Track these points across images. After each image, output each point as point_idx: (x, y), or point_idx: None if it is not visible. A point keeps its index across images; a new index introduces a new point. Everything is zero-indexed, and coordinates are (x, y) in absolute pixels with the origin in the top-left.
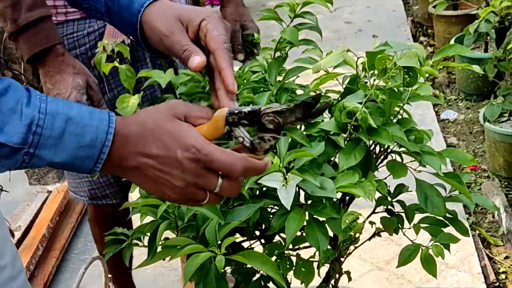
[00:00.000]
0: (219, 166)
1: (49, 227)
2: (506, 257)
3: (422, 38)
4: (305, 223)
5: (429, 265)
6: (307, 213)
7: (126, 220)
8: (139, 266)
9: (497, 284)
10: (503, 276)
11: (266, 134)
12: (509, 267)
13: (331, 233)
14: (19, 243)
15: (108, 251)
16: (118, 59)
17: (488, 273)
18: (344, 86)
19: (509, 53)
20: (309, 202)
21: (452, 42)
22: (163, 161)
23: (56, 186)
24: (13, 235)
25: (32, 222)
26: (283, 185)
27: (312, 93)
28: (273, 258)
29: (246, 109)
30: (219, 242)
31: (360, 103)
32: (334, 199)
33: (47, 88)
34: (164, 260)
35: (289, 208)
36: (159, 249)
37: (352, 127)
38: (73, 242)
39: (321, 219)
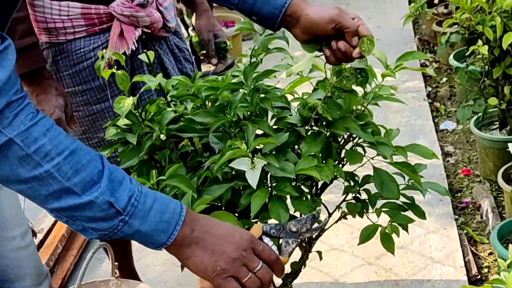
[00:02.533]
0: (264, 254)
1: (68, 228)
2: (490, 253)
3: (428, 55)
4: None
5: (387, 242)
6: (271, 192)
7: None
8: None
9: (479, 277)
10: (486, 270)
11: (289, 239)
12: (492, 262)
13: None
14: (41, 243)
15: None
16: (116, 66)
17: (471, 267)
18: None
19: (477, 61)
20: (274, 184)
21: (451, 57)
22: (225, 237)
23: None
24: (35, 236)
25: (53, 225)
26: (251, 168)
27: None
28: None
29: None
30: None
31: (320, 99)
32: (297, 182)
33: None
34: None
35: (255, 188)
36: None
37: (313, 120)
38: (90, 242)
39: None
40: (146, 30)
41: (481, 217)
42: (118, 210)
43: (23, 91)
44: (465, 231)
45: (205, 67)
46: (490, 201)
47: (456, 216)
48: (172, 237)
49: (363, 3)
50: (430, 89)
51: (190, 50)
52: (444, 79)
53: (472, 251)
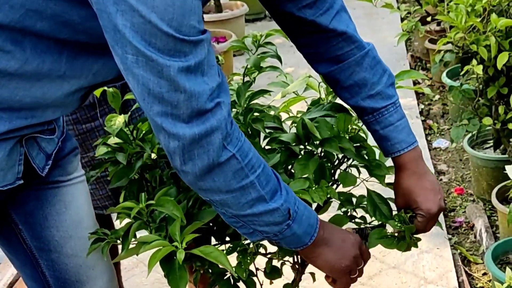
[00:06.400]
0: (365, 255)
1: None
2: (484, 274)
3: (421, 71)
4: None
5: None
6: None
7: (109, 225)
8: (117, 259)
9: None
10: None
11: None
12: (486, 283)
13: None
14: None
15: (91, 248)
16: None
17: (465, 287)
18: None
19: (470, 79)
20: None
21: (444, 74)
22: (345, 239)
23: None
24: None
25: None
26: None
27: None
28: (236, 254)
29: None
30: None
31: (312, 119)
32: None
33: None
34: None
35: None
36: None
37: (306, 138)
38: None
39: None
40: None
41: (475, 236)
42: (290, 215)
43: None
44: (458, 251)
45: None
46: (484, 220)
47: (450, 236)
48: (313, 238)
49: (356, 20)
50: (422, 106)
51: None
52: (437, 97)
53: (466, 272)
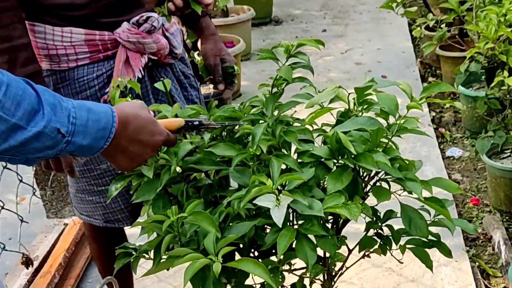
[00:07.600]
0: (170, 144)
1: (65, 256)
2: (504, 287)
3: (430, 79)
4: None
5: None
6: (297, 230)
7: (122, 236)
8: (145, 274)
9: None
10: None
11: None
12: None
13: (320, 252)
14: (36, 271)
15: (118, 262)
16: (130, 95)
17: None
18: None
19: (498, 91)
20: (300, 222)
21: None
22: (145, 144)
23: (72, 218)
24: (32, 264)
25: (49, 252)
26: (276, 205)
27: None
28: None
29: (196, 122)
30: (217, 252)
31: (345, 132)
32: (323, 220)
33: None
34: None
35: (280, 226)
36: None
37: (339, 153)
38: (88, 271)
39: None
40: (152, 57)
41: (493, 249)
42: (63, 134)
43: None
44: (477, 263)
45: (204, 89)
46: (502, 232)
47: (467, 248)
48: (109, 140)
49: (362, 25)
50: (434, 114)
51: (194, 75)
52: (448, 104)
53: (485, 285)
